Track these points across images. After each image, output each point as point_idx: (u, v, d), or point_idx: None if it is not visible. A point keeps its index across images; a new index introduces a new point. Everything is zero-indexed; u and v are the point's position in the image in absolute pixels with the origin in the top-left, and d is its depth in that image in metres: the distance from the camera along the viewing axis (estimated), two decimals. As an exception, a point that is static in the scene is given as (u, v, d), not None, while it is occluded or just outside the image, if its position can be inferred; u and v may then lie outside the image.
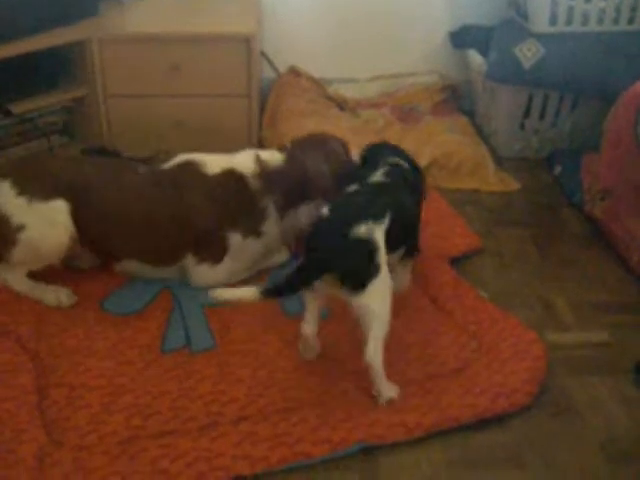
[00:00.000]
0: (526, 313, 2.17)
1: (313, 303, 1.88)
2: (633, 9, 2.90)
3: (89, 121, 2.95)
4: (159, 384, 1.86)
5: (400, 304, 2.12)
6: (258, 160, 2.21)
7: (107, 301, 2.16)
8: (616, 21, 2.92)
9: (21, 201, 2.07)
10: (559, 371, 1.96)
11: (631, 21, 2.92)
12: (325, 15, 3.37)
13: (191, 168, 2.19)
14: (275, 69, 3.41)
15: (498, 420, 1.80)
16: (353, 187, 1.98)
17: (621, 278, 2.36)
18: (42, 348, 1.97)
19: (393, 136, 3.01)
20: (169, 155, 2.31)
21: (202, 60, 2.85)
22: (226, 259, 2.20)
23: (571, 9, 2.88)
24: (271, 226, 2.23)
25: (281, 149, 2.28)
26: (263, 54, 3.33)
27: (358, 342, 1.95)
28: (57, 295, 2.14)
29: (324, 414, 1.77)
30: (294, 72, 3.39)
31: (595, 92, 2.89)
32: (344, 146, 2.30)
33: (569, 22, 2.90)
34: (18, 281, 2.15)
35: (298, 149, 2.24)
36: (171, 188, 2.16)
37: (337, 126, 2.99)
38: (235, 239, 2.19)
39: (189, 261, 2.19)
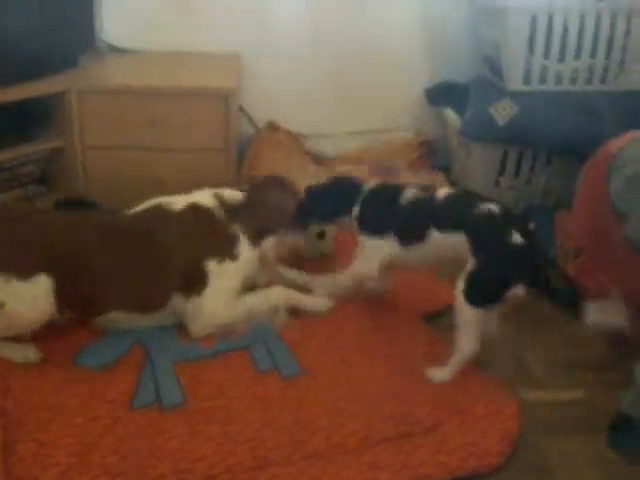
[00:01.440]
0: (499, 370, 2.16)
1: None
2: (605, 69, 2.97)
3: (67, 172, 2.96)
4: (128, 442, 1.82)
5: (374, 361, 2.14)
6: (216, 196, 2.34)
7: (80, 355, 2.13)
8: (589, 81, 2.98)
9: None
10: (532, 429, 1.95)
11: (604, 81, 2.99)
12: (303, 72, 3.42)
13: (158, 209, 2.27)
14: (254, 124, 3.43)
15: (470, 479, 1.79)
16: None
17: (595, 336, 2.35)
18: (9, 404, 1.93)
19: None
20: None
21: (181, 114, 2.88)
22: (208, 289, 2.22)
23: (545, 68, 2.95)
24: (244, 249, 2.29)
25: (240, 189, 2.45)
26: (242, 109, 3.36)
27: (330, 399, 1.95)
28: (24, 353, 2.09)
29: (294, 473, 1.74)
30: (272, 127, 3.41)
31: (568, 150, 2.93)
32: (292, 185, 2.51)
33: (543, 81, 2.97)
34: None
35: (258, 188, 2.46)
36: (144, 230, 2.22)
37: (315, 181, 2.99)
38: (211, 265, 2.22)
39: (178, 301, 2.21)
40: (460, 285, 2.06)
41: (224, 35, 3.32)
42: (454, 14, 3.39)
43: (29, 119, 2.87)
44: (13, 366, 2.07)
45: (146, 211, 2.28)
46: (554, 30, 2.89)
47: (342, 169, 3.28)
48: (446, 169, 3.42)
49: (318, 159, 3.35)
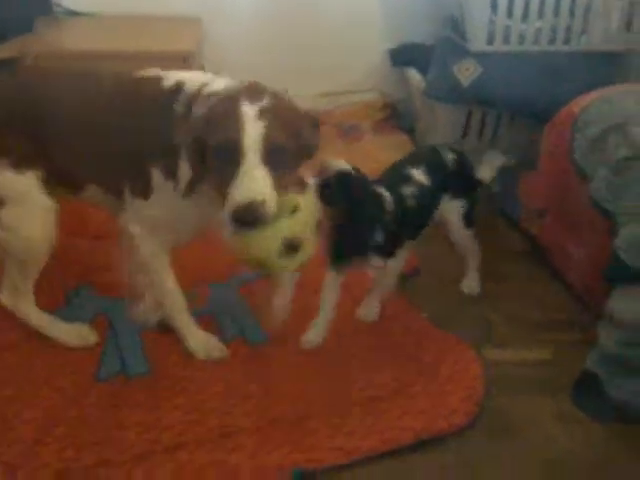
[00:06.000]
0: (465, 331, 2.17)
1: None
2: (568, 29, 2.94)
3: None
4: (93, 413, 1.81)
5: (342, 324, 2.13)
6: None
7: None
8: (552, 41, 2.96)
9: None
10: (497, 390, 1.96)
11: (567, 41, 2.96)
12: (264, 37, 3.38)
13: (151, 81, 1.87)
14: (216, 88, 3.39)
15: (437, 441, 1.79)
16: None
17: (559, 295, 2.38)
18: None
19: (333, 154, 3.01)
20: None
21: (140, 78, 2.82)
22: (153, 197, 1.86)
23: (508, 29, 2.92)
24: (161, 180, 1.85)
25: None
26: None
27: (296, 365, 1.95)
28: (79, 333, 2.06)
29: (261, 440, 1.75)
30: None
31: (531, 111, 2.92)
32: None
33: (506, 41, 2.93)
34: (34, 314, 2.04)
35: None
36: (129, 101, 1.86)
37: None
38: (156, 175, 1.84)
39: (127, 195, 1.91)
40: (458, 221, 2.27)
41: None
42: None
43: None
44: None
45: (140, 79, 1.89)
46: (517, -11, 2.87)
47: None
48: (411, 130, 3.42)
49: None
